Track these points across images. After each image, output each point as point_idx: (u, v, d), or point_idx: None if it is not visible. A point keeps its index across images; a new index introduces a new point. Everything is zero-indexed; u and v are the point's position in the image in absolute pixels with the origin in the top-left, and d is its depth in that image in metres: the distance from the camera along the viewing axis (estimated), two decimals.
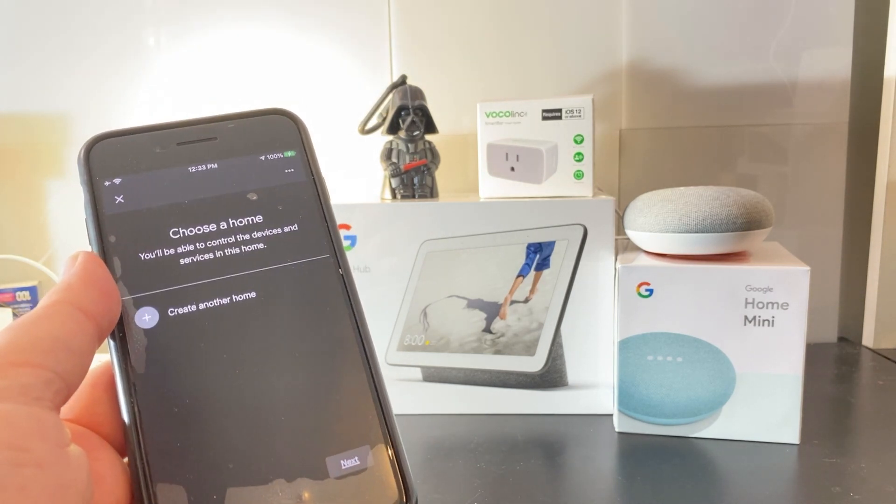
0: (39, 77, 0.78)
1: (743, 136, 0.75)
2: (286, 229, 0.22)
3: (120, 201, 0.21)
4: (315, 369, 0.20)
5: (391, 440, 0.20)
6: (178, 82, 0.77)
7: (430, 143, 0.63)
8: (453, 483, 0.48)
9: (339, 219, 0.58)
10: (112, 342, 0.20)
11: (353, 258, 0.58)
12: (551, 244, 0.57)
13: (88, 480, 0.16)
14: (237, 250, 0.21)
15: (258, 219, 0.22)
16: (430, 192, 0.62)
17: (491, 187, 0.60)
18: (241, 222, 0.22)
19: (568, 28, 0.75)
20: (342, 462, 0.19)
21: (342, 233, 0.58)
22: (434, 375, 0.60)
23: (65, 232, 0.81)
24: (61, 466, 0.15)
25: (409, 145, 0.62)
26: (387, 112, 0.63)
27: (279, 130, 0.24)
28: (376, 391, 0.20)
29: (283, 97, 0.77)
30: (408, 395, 0.61)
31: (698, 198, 0.53)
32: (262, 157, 0.23)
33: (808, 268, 0.50)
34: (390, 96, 0.63)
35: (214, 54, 0.77)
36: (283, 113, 0.24)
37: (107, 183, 0.22)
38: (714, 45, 0.74)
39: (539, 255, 0.57)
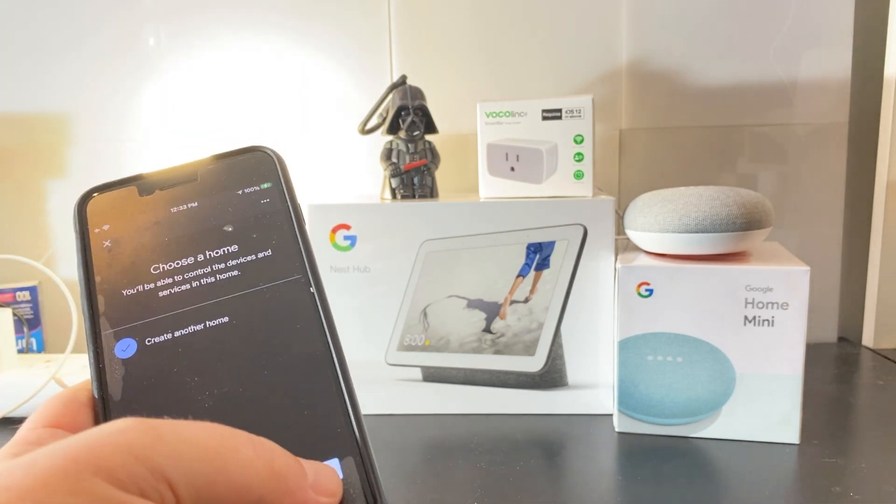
0: (39, 77, 0.78)
1: (743, 136, 0.75)
2: (260, 255, 0.23)
3: (107, 245, 0.23)
4: (286, 385, 0.21)
5: (361, 452, 0.20)
6: (178, 82, 0.77)
7: (430, 143, 0.63)
8: (453, 483, 0.48)
9: (340, 219, 0.58)
10: (92, 372, 0.21)
11: (353, 258, 0.59)
12: (551, 244, 0.57)
13: None
14: (212, 279, 0.23)
15: (233, 248, 0.23)
16: (430, 192, 0.62)
17: (491, 187, 0.60)
18: (216, 253, 0.23)
19: (568, 28, 0.75)
20: None
21: (342, 233, 0.58)
22: (434, 375, 0.60)
23: (65, 232, 0.81)
24: None
25: (409, 145, 0.62)
26: (387, 112, 0.63)
27: (257, 165, 0.25)
28: (348, 403, 0.21)
29: (282, 98, 0.77)
30: (408, 395, 0.61)
31: (698, 198, 0.53)
32: (240, 192, 0.25)
33: (808, 268, 0.50)
34: (390, 96, 0.63)
35: (214, 54, 0.77)
36: (260, 150, 0.26)
37: (96, 230, 0.24)
38: (714, 46, 0.74)
39: (539, 255, 0.57)
